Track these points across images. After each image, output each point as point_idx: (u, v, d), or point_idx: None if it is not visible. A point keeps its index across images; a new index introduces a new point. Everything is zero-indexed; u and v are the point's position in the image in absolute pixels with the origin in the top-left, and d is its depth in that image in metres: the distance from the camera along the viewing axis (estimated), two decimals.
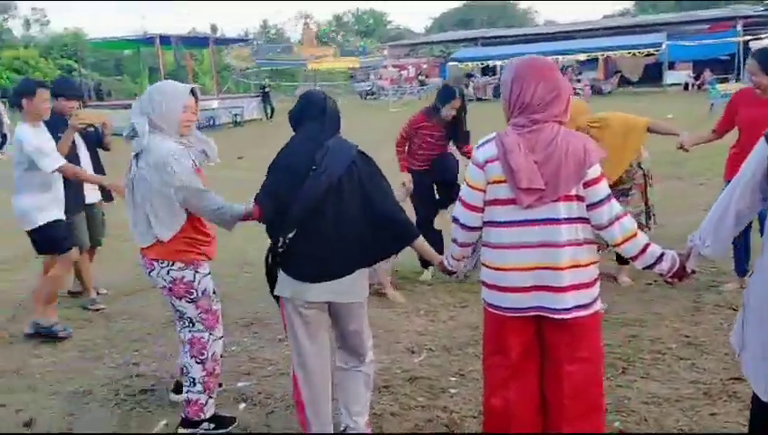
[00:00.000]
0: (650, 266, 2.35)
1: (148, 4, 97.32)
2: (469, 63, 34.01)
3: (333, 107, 2.76)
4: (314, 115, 2.71)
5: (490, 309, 2.43)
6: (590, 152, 2.26)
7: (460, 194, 2.45)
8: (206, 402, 3.02)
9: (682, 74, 28.93)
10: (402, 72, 40.06)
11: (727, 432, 2.81)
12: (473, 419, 3.05)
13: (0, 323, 4.68)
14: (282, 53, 33.72)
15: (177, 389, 3.35)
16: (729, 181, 2.22)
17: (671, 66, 30.03)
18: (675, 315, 4.15)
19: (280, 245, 2.63)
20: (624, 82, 31.52)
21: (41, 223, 4.25)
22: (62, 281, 4.62)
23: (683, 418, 2.95)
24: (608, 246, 2.52)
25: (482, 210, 2.38)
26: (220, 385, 3.29)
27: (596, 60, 31.13)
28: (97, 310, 4.92)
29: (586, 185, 2.26)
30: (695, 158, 7.21)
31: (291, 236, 2.61)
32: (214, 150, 3.02)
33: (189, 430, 3.00)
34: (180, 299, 2.95)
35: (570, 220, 2.27)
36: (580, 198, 2.27)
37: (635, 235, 2.30)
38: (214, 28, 40.24)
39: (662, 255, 2.32)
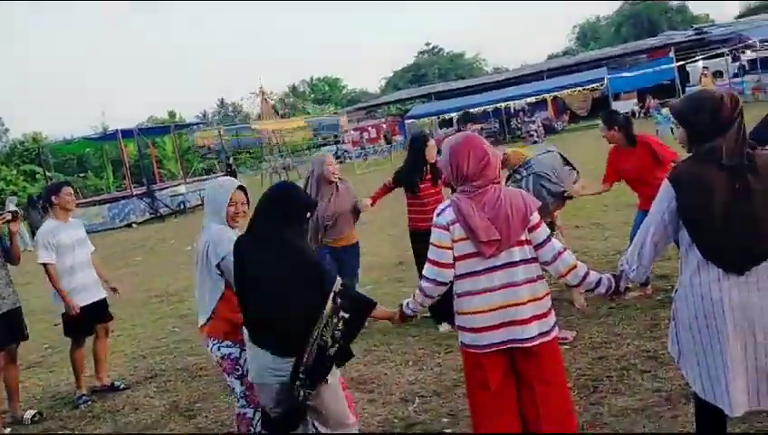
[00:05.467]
0: (590, 290, 2.79)
1: (104, 98, 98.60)
2: (425, 119, 35.11)
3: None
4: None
5: (468, 350, 2.79)
6: (529, 202, 2.72)
7: (429, 256, 2.78)
8: None
9: (628, 104, 30.32)
10: (363, 133, 41.20)
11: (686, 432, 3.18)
12: None
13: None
14: (244, 131, 34.58)
15: None
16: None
17: (616, 97, 31.48)
18: (636, 334, 4.55)
19: None
20: (575, 117, 32.90)
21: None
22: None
23: (648, 424, 3.32)
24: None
25: (453, 266, 2.73)
26: None
27: (545, 101, 32.50)
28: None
29: (530, 229, 2.70)
30: None
31: None
32: None
33: None
34: (229, 375, 3.29)
35: (525, 261, 2.69)
36: (528, 242, 2.71)
37: (575, 266, 2.74)
38: (172, 114, 40.78)
39: (599, 280, 2.75)
